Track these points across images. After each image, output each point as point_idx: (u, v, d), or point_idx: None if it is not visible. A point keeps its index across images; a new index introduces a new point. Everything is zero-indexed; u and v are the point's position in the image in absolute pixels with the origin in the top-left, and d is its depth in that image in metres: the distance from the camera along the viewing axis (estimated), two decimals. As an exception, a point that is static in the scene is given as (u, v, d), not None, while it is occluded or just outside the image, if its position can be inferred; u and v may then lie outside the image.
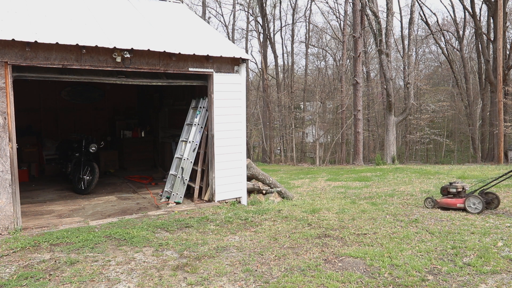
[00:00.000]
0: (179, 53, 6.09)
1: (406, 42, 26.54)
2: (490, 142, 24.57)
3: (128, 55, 5.74)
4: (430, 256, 4.03)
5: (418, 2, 24.70)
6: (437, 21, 29.21)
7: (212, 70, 6.59)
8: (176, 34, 6.90)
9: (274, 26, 33.19)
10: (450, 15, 28.18)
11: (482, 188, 6.10)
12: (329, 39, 34.40)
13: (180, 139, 7.27)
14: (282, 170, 17.74)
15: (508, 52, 22.24)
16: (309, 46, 32.16)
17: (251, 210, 6.25)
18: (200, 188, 7.10)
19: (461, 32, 27.65)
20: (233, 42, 28.62)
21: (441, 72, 35.54)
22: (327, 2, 53.61)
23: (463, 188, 6.13)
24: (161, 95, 10.24)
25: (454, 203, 5.97)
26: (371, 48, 30.37)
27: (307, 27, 31.29)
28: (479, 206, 5.73)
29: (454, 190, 6.13)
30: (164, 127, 10.29)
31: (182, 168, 6.92)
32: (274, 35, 31.97)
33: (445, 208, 6.08)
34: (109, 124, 11.61)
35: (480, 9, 26.06)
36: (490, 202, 5.93)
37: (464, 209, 5.87)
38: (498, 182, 6.31)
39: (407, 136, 29.09)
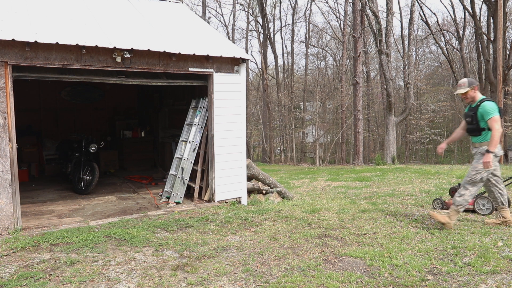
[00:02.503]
0: (179, 53, 6.09)
1: (406, 42, 26.53)
2: (490, 142, 24.48)
3: (128, 55, 5.74)
4: (430, 256, 4.03)
5: (418, 2, 24.70)
6: (437, 21, 29.18)
7: (212, 70, 6.59)
8: (176, 34, 6.90)
9: (274, 26, 33.22)
10: (450, 15, 28.17)
11: None
12: (329, 39, 34.42)
13: (180, 139, 7.27)
14: (282, 170, 17.74)
15: (508, 52, 22.24)
16: (309, 46, 32.17)
17: (251, 210, 6.25)
18: (200, 188, 7.10)
19: (461, 32, 27.64)
20: (233, 42, 28.62)
21: (441, 72, 35.55)
22: (327, 2, 53.67)
23: None
24: (161, 95, 10.24)
25: None
26: (371, 48, 30.38)
27: (307, 27, 31.32)
28: (489, 207, 5.66)
29: None
30: (164, 127, 10.29)
31: (182, 168, 6.92)
32: (274, 35, 32.00)
33: None
34: (109, 124, 11.61)
35: (480, 9, 26.06)
36: None
37: (473, 211, 5.78)
38: (509, 183, 6.20)
39: (407, 136, 29.10)
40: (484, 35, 23.82)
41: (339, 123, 28.86)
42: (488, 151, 4.82)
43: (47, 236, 4.83)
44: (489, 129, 4.93)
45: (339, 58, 31.66)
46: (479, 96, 5.07)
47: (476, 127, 5.01)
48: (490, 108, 4.88)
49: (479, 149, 5.00)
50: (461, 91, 5.04)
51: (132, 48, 5.72)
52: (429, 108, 27.76)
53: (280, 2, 32.25)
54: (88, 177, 7.84)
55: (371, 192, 8.66)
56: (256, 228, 5.26)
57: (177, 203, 6.84)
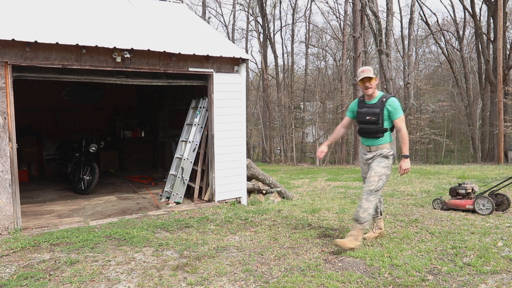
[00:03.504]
0: (179, 53, 6.09)
1: (406, 42, 26.56)
2: (490, 142, 24.57)
3: (128, 55, 5.74)
4: (430, 256, 4.03)
5: (418, 2, 24.71)
6: (437, 21, 29.24)
7: (212, 70, 6.59)
8: (176, 34, 6.90)
9: (274, 26, 33.22)
10: (450, 15, 28.20)
11: (492, 189, 6.01)
12: (329, 39, 34.43)
13: (180, 139, 7.27)
14: (282, 170, 17.74)
15: (508, 52, 22.24)
16: (309, 46, 32.18)
17: (251, 210, 6.25)
18: (200, 188, 7.10)
19: (461, 32, 27.65)
20: (233, 42, 28.62)
21: (441, 72, 35.55)
22: (327, 2, 53.69)
23: (472, 189, 6.01)
24: (161, 95, 10.23)
25: (463, 204, 5.88)
26: (371, 48, 30.36)
27: (307, 27, 31.32)
28: (489, 207, 5.66)
29: (463, 191, 6.00)
30: (164, 127, 10.29)
31: (182, 168, 6.92)
32: (274, 35, 32.01)
33: (454, 209, 6.00)
34: (109, 124, 11.61)
35: (480, 9, 26.08)
36: (500, 203, 5.82)
37: (473, 211, 5.77)
38: (510, 183, 6.19)
39: (407, 136, 28.99)
40: (484, 35, 23.82)
41: (339, 123, 28.80)
42: (405, 156, 4.26)
43: (47, 236, 4.83)
44: (391, 130, 4.33)
45: (339, 58, 31.66)
46: (378, 91, 4.39)
47: (380, 127, 4.25)
48: (399, 105, 4.23)
49: (377, 152, 4.34)
50: (368, 74, 4.24)
51: (132, 48, 5.72)
52: (429, 108, 27.79)
53: (280, 2, 32.27)
54: (88, 177, 7.84)
55: (371, 192, 8.65)
56: (256, 228, 5.25)
57: (177, 203, 6.84)
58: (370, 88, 4.27)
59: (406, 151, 4.24)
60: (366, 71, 4.29)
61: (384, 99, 4.25)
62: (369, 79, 4.24)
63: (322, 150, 4.62)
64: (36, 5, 6.42)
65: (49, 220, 5.91)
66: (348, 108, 4.66)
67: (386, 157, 4.32)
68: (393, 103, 4.22)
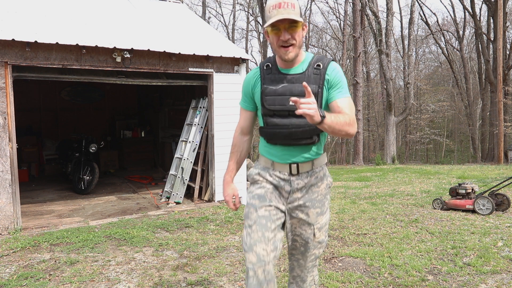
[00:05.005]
0: (179, 53, 6.09)
1: (406, 42, 26.55)
2: (490, 142, 24.59)
3: (128, 55, 5.74)
4: (430, 256, 4.02)
5: (418, 2, 24.71)
6: (437, 21, 29.24)
7: (212, 70, 6.59)
8: (176, 34, 6.90)
9: (274, 26, 33.20)
10: (450, 15, 28.23)
11: (492, 189, 6.01)
12: (329, 39, 34.45)
13: (180, 139, 7.27)
14: (282, 170, 17.70)
15: (508, 52, 22.25)
16: (309, 46, 32.17)
17: (251, 210, 6.24)
18: (200, 188, 7.10)
19: (461, 32, 27.66)
20: (233, 42, 28.63)
21: (441, 72, 35.57)
22: (327, 2, 53.72)
23: (472, 189, 6.01)
24: (161, 95, 10.24)
25: (463, 204, 5.88)
26: (371, 48, 30.38)
27: (307, 27, 31.31)
28: (489, 207, 5.66)
29: (463, 191, 6.00)
30: (164, 127, 10.29)
31: (182, 168, 6.92)
32: (274, 35, 31.99)
33: (454, 209, 6.00)
34: (109, 124, 11.61)
35: (480, 9, 26.09)
36: (500, 203, 5.82)
37: (473, 211, 5.77)
38: (510, 183, 6.20)
39: (407, 136, 29.12)
40: (484, 35, 23.83)
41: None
42: (322, 116, 1.82)
43: (47, 236, 4.83)
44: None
45: (339, 58, 31.66)
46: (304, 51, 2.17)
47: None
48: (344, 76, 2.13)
49: (314, 175, 2.21)
50: (290, 15, 1.91)
51: (132, 48, 5.72)
52: (429, 108, 27.81)
53: (280, 2, 32.25)
54: (88, 177, 7.83)
55: (371, 192, 8.66)
56: (256, 228, 5.25)
57: (177, 203, 6.84)
58: (293, 44, 1.99)
59: (327, 115, 1.84)
60: (287, 6, 1.93)
61: (321, 64, 2.06)
62: (293, 25, 1.96)
63: (234, 193, 2.51)
64: (36, 5, 6.42)
65: (49, 220, 5.91)
66: (242, 93, 2.29)
67: (329, 186, 2.30)
68: (338, 72, 2.09)
